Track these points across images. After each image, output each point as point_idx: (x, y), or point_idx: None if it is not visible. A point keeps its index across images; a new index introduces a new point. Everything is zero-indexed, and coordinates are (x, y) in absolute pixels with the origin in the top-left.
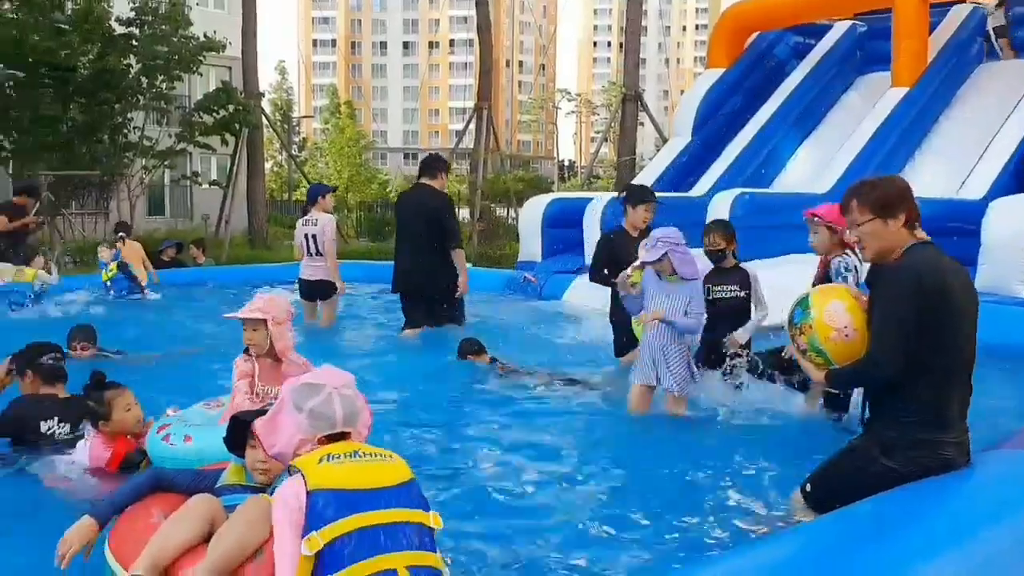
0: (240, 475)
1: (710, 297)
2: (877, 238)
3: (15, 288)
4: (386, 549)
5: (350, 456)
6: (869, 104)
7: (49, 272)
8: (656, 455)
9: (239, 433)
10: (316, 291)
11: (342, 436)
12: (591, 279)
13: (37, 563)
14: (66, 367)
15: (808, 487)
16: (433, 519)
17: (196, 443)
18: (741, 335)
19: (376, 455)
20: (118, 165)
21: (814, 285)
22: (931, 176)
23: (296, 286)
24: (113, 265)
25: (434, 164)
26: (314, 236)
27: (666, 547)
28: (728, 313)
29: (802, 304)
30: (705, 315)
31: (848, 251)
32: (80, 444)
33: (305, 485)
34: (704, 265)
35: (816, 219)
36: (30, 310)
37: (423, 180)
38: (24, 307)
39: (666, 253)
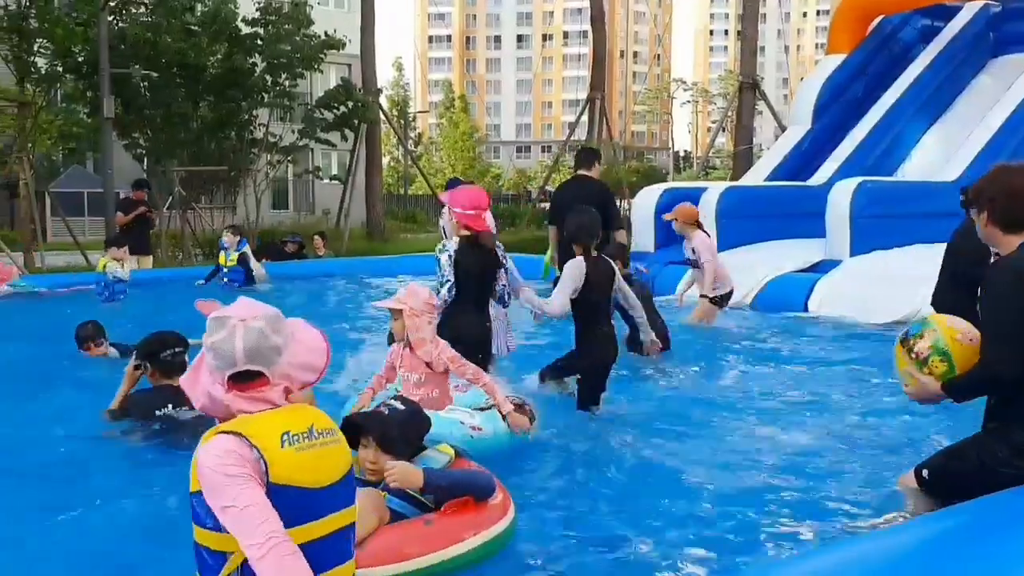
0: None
1: None
2: (980, 231)
3: (95, 279)
4: (328, 565)
5: (306, 436)
6: (1003, 88)
7: (122, 264)
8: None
9: (351, 433)
10: None
11: (255, 377)
12: None
13: None
14: (188, 359)
15: (925, 473)
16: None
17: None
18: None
19: (327, 431)
20: (244, 160)
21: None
22: None
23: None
24: (235, 255)
25: (591, 155)
26: (444, 228)
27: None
28: None
29: (919, 322)
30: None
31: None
32: None
33: (260, 455)
34: None
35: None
36: (113, 299)
37: (581, 171)
38: (103, 296)
39: None
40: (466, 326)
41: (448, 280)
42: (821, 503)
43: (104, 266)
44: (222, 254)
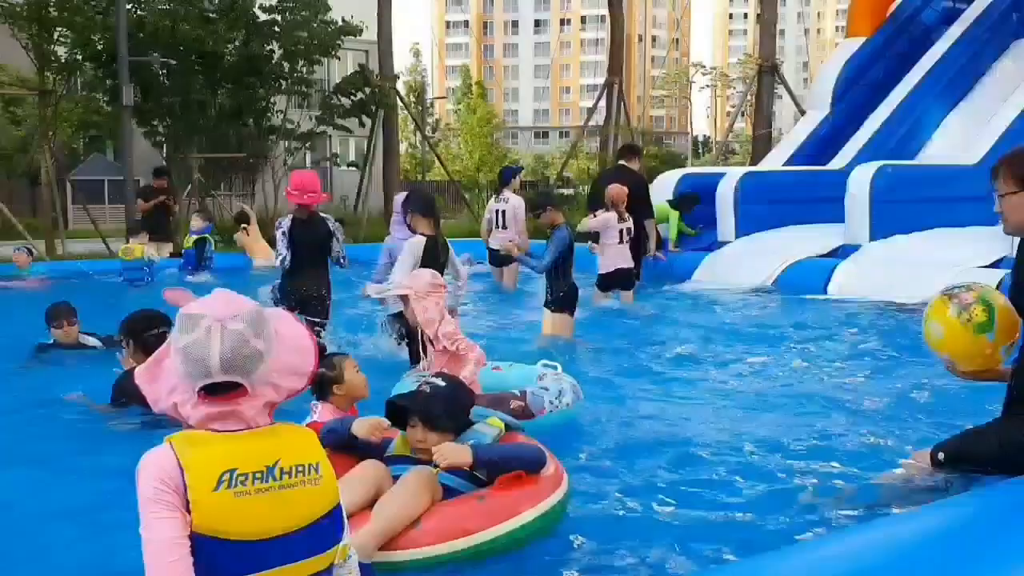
0: (407, 447)
1: None
2: (1017, 211)
3: (130, 265)
4: None
5: (259, 477)
6: None
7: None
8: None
9: (395, 415)
10: (501, 259)
11: (230, 388)
12: None
13: None
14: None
15: (940, 456)
16: (340, 553)
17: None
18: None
19: (298, 469)
20: (263, 147)
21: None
22: None
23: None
24: (193, 237)
25: (632, 149)
26: (503, 212)
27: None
28: None
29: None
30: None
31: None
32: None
33: (186, 490)
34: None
35: None
36: (145, 284)
37: (622, 163)
38: (143, 281)
39: None
40: (302, 284)
41: (282, 254)
42: (831, 488)
43: (142, 252)
44: (189, 237)
